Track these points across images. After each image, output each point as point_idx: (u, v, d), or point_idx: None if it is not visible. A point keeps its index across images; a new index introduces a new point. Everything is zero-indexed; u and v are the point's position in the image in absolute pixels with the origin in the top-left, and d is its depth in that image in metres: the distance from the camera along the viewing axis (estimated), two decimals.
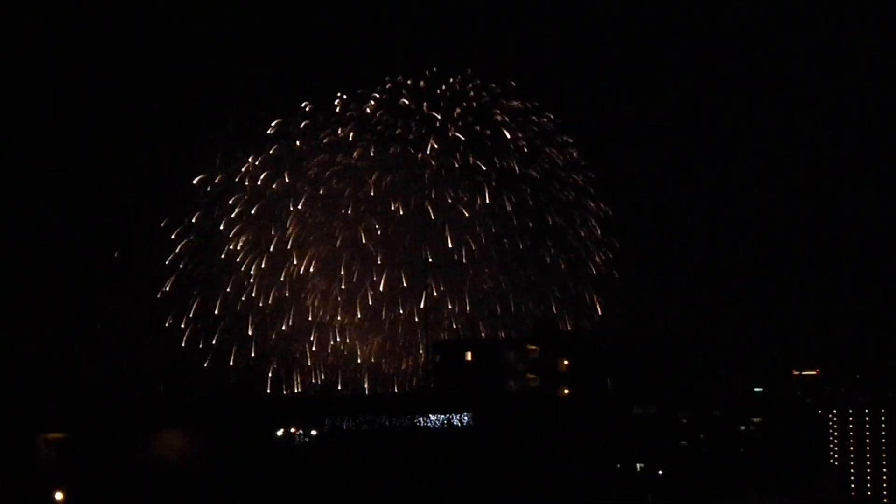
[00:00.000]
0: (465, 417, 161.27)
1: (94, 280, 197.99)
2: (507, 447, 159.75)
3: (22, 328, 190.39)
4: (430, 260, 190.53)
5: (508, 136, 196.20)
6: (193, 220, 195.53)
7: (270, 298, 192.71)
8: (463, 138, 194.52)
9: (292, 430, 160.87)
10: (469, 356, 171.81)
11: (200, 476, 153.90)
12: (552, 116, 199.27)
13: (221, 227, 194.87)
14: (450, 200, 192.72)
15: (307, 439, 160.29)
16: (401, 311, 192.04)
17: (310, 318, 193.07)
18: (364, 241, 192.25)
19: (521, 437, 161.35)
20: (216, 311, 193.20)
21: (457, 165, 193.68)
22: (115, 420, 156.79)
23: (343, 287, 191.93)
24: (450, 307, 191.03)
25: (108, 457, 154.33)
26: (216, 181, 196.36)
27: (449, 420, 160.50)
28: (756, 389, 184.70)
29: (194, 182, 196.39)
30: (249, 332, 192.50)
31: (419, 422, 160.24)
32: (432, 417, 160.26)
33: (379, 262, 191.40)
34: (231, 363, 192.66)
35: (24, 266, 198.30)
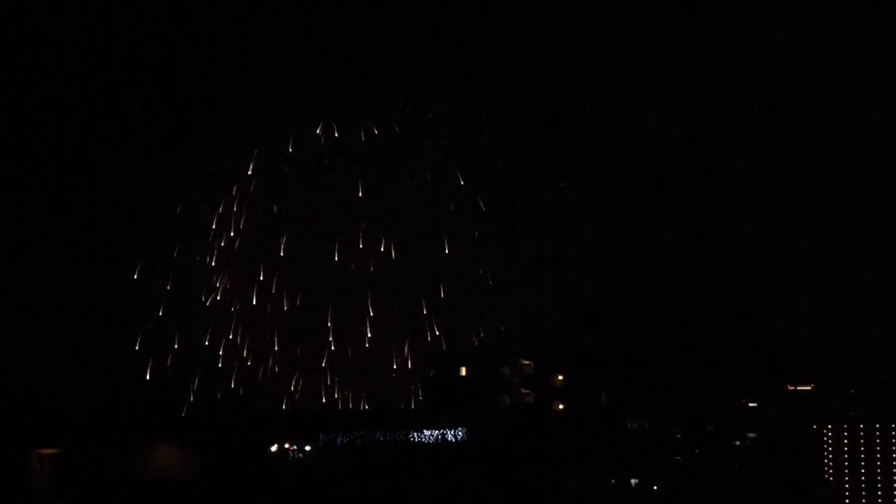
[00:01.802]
0: (460, 432, 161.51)
1: (76, 308, 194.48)
2: (501, 462, 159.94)
3: (12, 343, 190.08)
4: (425, 309, 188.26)
5: (499, 165, 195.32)
6: (175, 255, 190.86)
7: (255, 343, 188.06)
8: (453, 167, 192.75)
9: (286, 445, 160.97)
10: (463, 371, 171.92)
11: (194, 491, 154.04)
12: (536, 143, 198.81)
13: (205, 265, 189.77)
14: (445, 244, 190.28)
15: (301, 454, 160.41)
16: (394, 365, 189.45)
17: (296, 359, 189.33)
18: (355, 279, 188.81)
19: (516, 452, 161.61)
20: (197, 357, 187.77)
21: (451, 204, 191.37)
22: (109, 435, 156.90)
23: (332, 329, 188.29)
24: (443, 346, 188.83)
25: (103, 472, 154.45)
26: (198, 213, 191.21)
27: (443, 435, 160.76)
28: (751, 404, 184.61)
29: (177, 211, 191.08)
30: (232, 384, 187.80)
31: (413, 437, 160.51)
32: (426, 432, 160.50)
33: (371, 309, 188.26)
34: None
35: (10, 283, 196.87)
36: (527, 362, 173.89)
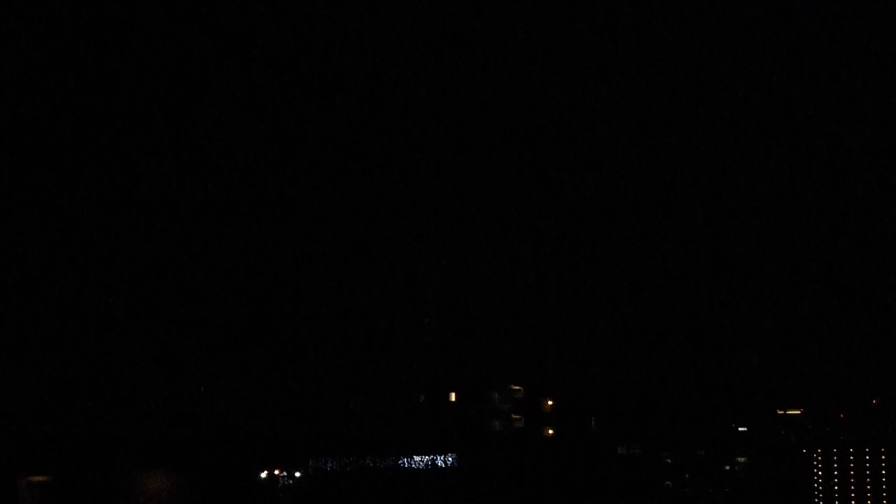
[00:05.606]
0: (450, 458, 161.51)
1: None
2: (491, 488, 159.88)
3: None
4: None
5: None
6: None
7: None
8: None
9: (276, 472, 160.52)
10: (453, 396, 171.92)
11: None
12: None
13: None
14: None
15: (291, 481, 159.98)
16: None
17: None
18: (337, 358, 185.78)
19: (506, 478, 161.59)
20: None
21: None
22: (99, 462, 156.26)
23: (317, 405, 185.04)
24: None
25: (93, 499, 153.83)
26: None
27: (433, 461, 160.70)
28: (740, 429, 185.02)
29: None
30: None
31: (403, 463, 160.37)
32: (416, 458, 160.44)
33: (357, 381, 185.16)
34: None
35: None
36: (517, 387, 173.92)
